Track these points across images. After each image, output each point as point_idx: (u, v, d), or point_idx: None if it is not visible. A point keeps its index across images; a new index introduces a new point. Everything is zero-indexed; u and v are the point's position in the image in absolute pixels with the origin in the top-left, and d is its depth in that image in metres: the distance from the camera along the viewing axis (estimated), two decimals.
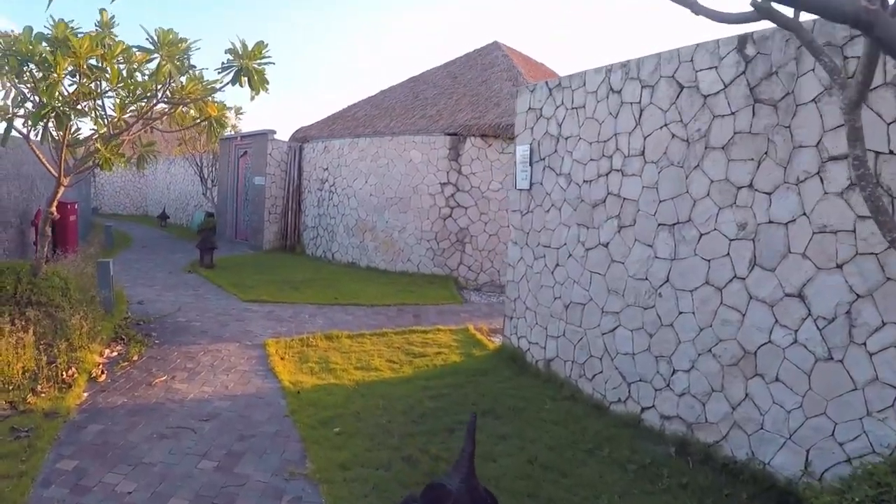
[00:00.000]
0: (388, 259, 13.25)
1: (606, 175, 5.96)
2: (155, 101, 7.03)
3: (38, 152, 7.11)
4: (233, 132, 18.66)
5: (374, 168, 13.47)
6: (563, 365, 6.45)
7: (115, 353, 6.81)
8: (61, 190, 7.21)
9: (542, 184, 6.84)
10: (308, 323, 8.59)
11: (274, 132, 16.35)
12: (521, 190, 7.18)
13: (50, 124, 6.41)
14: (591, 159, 6.17)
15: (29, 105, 6.52)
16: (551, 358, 6.64)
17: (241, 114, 10.33)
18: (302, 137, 16.39)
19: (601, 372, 5.92)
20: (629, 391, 5.59)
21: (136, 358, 6.70)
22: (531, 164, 6.97)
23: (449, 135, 12.45)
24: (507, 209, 12.08)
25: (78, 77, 6.51)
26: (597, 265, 6.04)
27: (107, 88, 6.87)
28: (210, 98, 7.10)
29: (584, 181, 6.24)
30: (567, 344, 6.39)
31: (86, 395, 5.59)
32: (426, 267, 12.66)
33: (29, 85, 6.40)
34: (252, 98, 6.59)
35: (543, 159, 6.82)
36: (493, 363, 7.10)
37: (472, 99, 13.25)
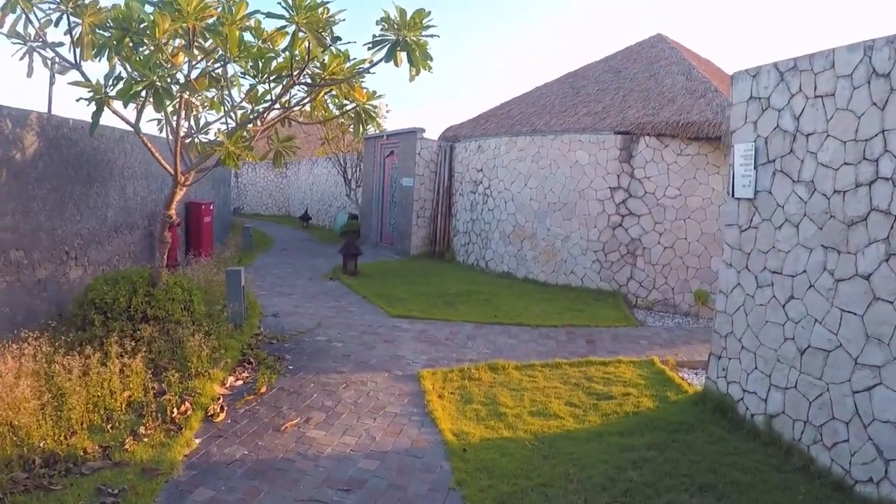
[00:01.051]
0: (548, 270, 12.38)
1: (869, 185, 4.73)
2: (290, 83, 6.08)
3: (149, 145, 6.30)
4: (377, 130, 18.62)
5: (534, 169, 12.66)
6: (792, 425, 5.30)
7: (239, 382, 6.19)
8: (181, 191, 6.49)
9: (770, 192, 5.66)
10: (467, 347, 7.94)
11: (423, 130, 16.09)
12: (739, 199, 6.04)
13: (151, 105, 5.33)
14: (846, 163, 4.95)
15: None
16: (774, 413, 5.49)
17: (388, 110, 9.94)
18: (452, 136, 15.97)
19: (846, 440, 4.74)
20: (886, 470, 4.41)
21: (264, 389, 6.00)
22: (755, 168, 5.79)
23: (620, 133, 11.38)
24: (684, 218, 10.77)
25: (189, 46, 5.56)
26: (851, 302, 4.83)
27: (227, 59, 5.75)
28: (358, 82, 6.43)
29: (835, 191, 5.03)
30: (799, 399, 5.23)
31: (198, 441, 4.84)
32: (591, 281, 11.65)
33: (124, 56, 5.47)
34: (411, 78, 5.82)
35: (773, 161, 5.64)
36: (695, 413, 6.03)
37: (642, 94, 12.07)
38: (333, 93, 6.68)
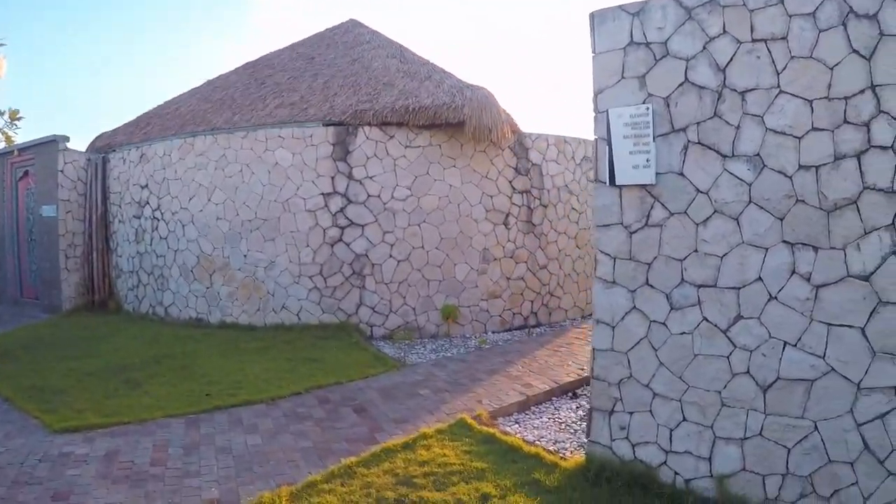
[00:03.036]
0: (252, 309, 8.90)
1: (857, 157, 3.23)
2: None
3: None
4: (4, 143, 12.04)
5: (219, 179, 9.03)
6: (762, 483, 3.56)
7: None
8: None
9: (682, 174, 3.71)
10: (193, 474, 4.41)
11: (66, 138, 10.77)
12: (622, 187, 3.93)
13: None
14: (816, 128, 3.25)
15: None
16: (729, 473, 3.66)
17: (18, 119, 5.58)
18: (105, 146, 11.03)
19: (854, 483, 3.26)
20: None
21: None
22: (653, 140, 3.72)
23: (331, 125, 8.56)
24: (419, 223, 8.66)
25: None
26: (844, 313, 3.29)
27: None
28: None
29: (802, 166, 3.27)
30: (770, 448, 3.53)
31: None
32: (311, 314, 8.62)
33: None
34: None
35: (683, 130, 3.71)
36: (606, 499, 3.73)
37: (349, 80, 9.52)
38: None
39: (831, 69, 3.23)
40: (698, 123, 3.64)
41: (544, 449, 4.61)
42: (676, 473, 3.80)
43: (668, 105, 3.74)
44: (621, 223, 3.95)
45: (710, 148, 3.60)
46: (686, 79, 3.67)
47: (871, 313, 3.16)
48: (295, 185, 8.65)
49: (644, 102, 3.81)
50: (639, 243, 3.87)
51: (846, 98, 3.20)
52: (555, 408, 5.80)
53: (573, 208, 10.02)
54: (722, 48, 3.55)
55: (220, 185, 9.01)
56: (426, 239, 8.67)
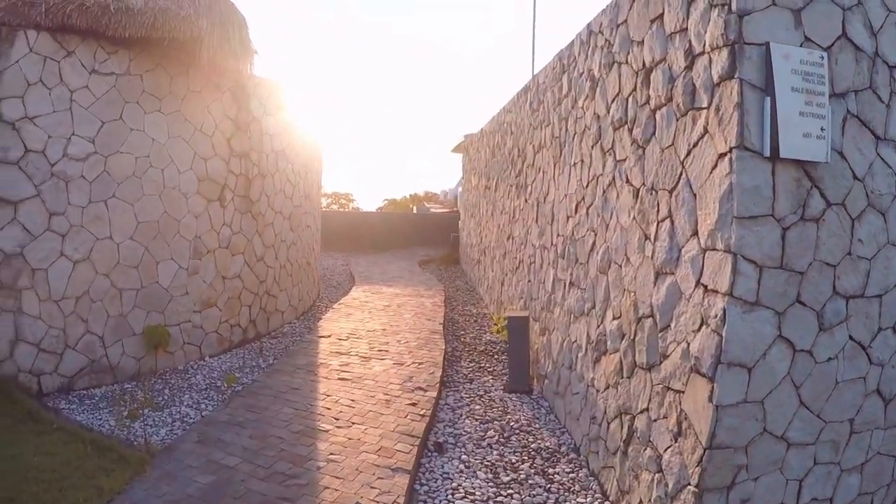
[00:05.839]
0: None
1: None
2: None
3: None
4: None
5: None
6: (870, 502, 2.96)
7: None
8: None
9: (842, 154, 2.35)
10: None
11: None
12: (777, 162, 2.26)
13: None
14: None
15: None
16: None
17: None
18: None
19: None
20: None
21: None
22: (829, 101, 2.31)
23: None
24: (106, 199, 4.68)
25: None
26: None
27: None
28: None
29: None
30: (884, 464, 2.64)
31: None
32: None
33: None
34: None
35: (843, 97, 2.41)
36: None
37: None
38: None
39: None
40: (856, 92, 2.40)
41: None
42: None
43: (830, 59, 2.31)
44: (772, 215, 2.32)
45: (866, 125, 2.43)
46: (844, 32, 2.34)
47: None
48: None
49: (801, 47, 2.26)
50: (793, 244, 2.35)
51: None
52: (442, 477, 3.19)
53: (288, 180, 6.65)
54: (874, 9, 2.48)
55: None
56: (116, 225, 4.33)
